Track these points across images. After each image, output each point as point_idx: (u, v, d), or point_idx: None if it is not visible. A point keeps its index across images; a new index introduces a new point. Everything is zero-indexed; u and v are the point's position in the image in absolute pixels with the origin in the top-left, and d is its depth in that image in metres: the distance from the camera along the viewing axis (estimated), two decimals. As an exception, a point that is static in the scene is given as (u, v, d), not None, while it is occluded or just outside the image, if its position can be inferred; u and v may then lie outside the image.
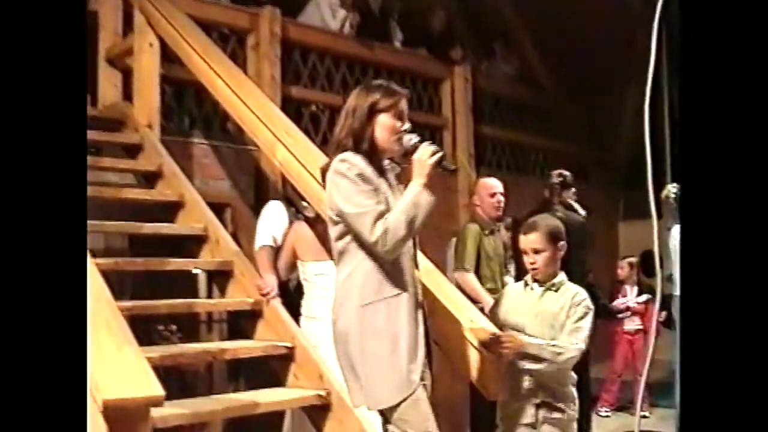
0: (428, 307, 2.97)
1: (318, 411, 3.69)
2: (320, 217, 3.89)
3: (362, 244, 2.77)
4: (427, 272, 3.26)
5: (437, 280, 3.36)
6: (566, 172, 5.75)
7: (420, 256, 3.02)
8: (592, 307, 3.23)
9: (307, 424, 3.76)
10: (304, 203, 4.27)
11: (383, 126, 2.90)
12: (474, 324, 3.24)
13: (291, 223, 4.37)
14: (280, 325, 4.01)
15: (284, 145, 4.15)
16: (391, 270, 2.79)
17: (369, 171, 2.81)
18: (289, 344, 3.90)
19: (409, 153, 2.90)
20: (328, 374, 3.67)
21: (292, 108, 5.96)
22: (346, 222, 2.78)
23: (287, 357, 3.90)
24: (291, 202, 4.50)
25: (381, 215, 2.73)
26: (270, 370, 3.97)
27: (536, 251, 3.24)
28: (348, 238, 2.82)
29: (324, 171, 2.90)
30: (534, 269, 3.26)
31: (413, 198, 2.78)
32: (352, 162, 2.80)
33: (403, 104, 2.95)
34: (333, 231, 2.87)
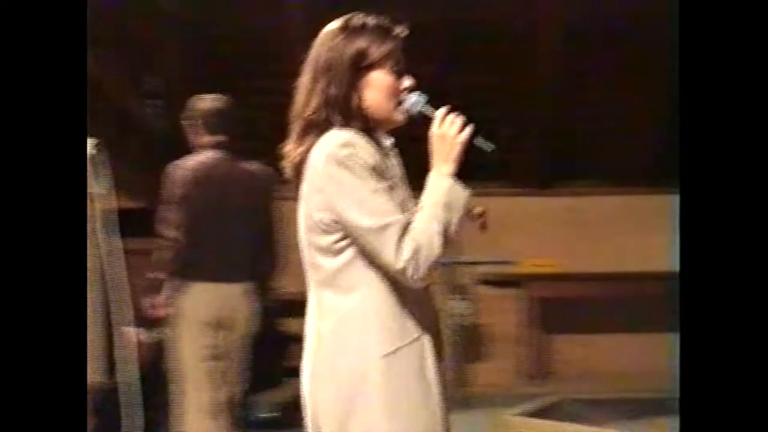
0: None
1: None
2: None
3: (374, 262, 1.98)
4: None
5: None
6: None
7: None
8: None
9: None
10: None
11: (378, 87, 2.05)
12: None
13: None
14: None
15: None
16: (414, 299, 2.03)
17: (379, 159, 2.01)
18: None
19: (415, 122, 2.09)
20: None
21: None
22: (355, 236, 1.98)
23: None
24: None
25: (406, 228, 1.94)
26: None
27: None
28: (350, 252, 2.00)
29: (298, 162, 2.06)
30: None
31: (444, 195, 1.99)
32: (359, 147, 1.97)
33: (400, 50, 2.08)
34: (322, 240, 2.02)
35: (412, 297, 2.01)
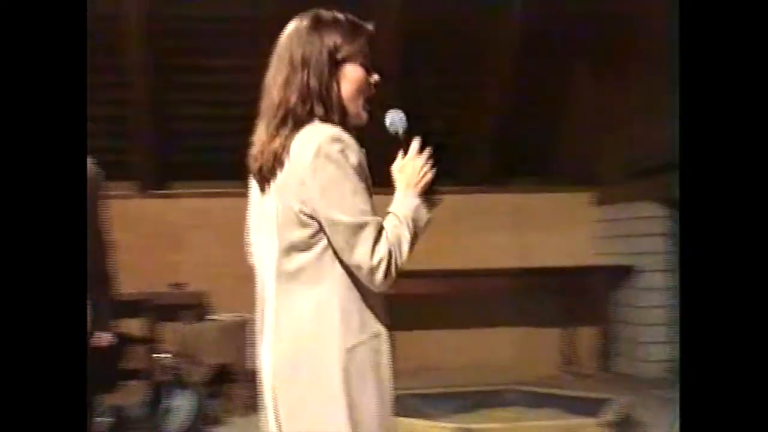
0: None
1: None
2: None
3: (342, 259, 1.99)
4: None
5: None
6: None
7: None
8: None
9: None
10: None
11: (350, 81, 2.07)
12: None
13: None
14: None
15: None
16: (373, 295, 2.06)
17: (362, 157, 2.02)
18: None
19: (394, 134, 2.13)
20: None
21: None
22: (330, 232, 1.97)
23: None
24: None
25: (381, 230, 1.98)
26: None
27: None
28: (321, 245, 2.00)
29: (275, 155, 2.02)
30: None
31: (412, 211, 2.06)
32: (347, 144, 1.98)
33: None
34: (295, 234, 2.01)
35: (371, 294, 2.03)
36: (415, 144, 2.11)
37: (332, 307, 2.00)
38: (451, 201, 8.59)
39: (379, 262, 1.95)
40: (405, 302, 7.70)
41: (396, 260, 1.97)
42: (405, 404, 6.03)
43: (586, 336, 7.61)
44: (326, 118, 2.02)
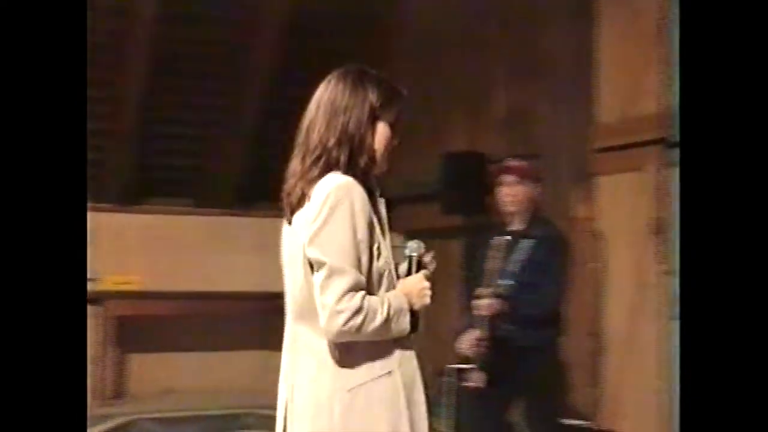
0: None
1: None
2: None
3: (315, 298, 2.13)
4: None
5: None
6: None
7: None
8: None
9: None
10: None
11: (381, 136, 2.24)
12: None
13: None
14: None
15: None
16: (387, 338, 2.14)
17: (369, 207, 2.17)
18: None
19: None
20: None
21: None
22: (316, 270, 2.12)
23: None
24: None
25: (359, 287, 2.10)
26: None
27: None
28: None
29: (304, 190, 2.19)
30: None
31: (400, 312, 2.17)
32: (354, 193, 2.13)
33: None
34: (302, 271, 2.19)
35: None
36: (426, 271, 2.32)
37: (341, 350, 2.12)
38: (196, 222, 8.47)
39: (343, 311, 2.06)
40: (148, 324, 7.60)
41: (361, 322, 2.07)
42: (142, 429, 5.94)
43: None
44: (354, 164, 2.19)
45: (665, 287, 4.61)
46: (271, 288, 8.18)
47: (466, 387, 3.98)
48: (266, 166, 7.54)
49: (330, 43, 7.25)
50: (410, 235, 2.41)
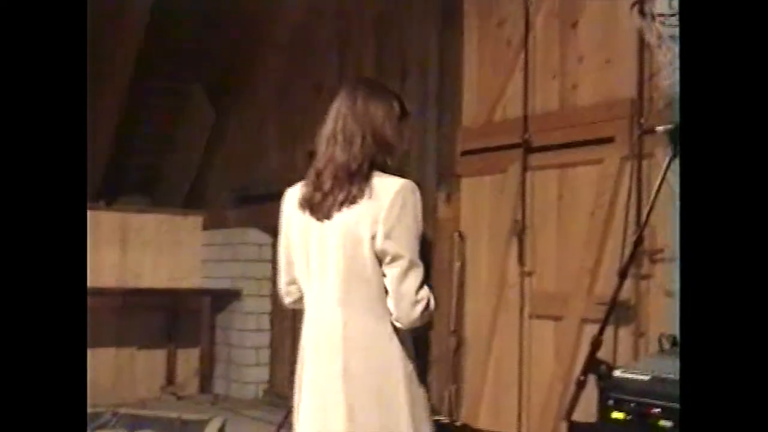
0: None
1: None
2: None
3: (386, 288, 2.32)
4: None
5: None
6: None
7: None
8: None
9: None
10: None
11: (402, 139, 2.49)
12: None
13: None
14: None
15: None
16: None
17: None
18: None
19: None
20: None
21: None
22: (391, 263, 2.29)
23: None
24: None
25: (426, 280, 2.35)
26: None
27: None
28: (380, 277, 2.33)
29: (351, 192, 2.34)
30: None
31: None
32: (419, 197, 2.38)
33: None
34: (360, 264, 2.33)
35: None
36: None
37: (394, 339, 2.34)
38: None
39: (420, 301, 2.29)
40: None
41: (430, 311, 2.34)
42: None
43: (189, 358, 7.69)
44: (388, 165, 2.40)
45: (525, 287, 4.76)
46: (133, 284, 7.89)
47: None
48: (128, 159, 7.23)
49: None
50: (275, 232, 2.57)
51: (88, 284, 6.74)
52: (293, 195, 2.49)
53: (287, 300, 2.59)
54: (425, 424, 2.41)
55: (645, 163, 4.07)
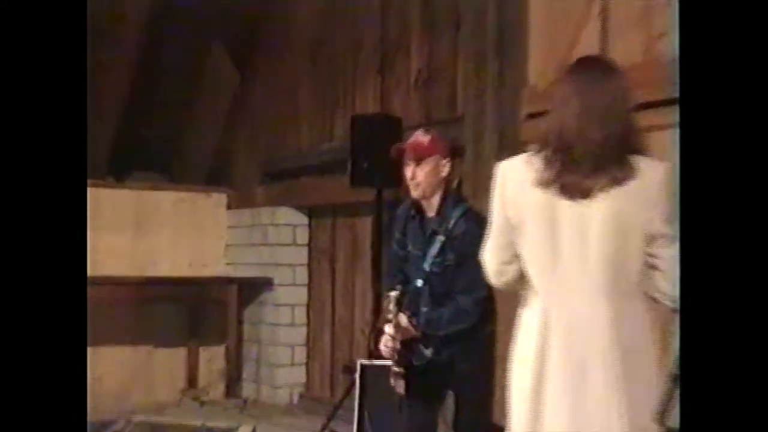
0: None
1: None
2: None
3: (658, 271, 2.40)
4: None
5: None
6: None
7: None
8: None
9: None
10: None
11: None
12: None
13: None
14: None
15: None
16: None
17: None
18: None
19: None
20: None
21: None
22: (663, 244, 2.35)
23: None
24: None
25: None
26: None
27: None
28: (645, 259, 2.43)
29: (617, 176, 2.37)
30: None
31: None
32: None
33: None
34: (625, 247, 2.39)
35: None
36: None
37: (650, 320, 2.42)
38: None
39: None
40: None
41: None
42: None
43: (213, 357, 7.38)
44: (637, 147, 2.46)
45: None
46: (149, 272, 7.11)
47: (385, 390, 3.80)
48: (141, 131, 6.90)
49: None
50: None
51: (95, 273, 6.06)
52: (518, 169, 2.47)
53: (501, 279, 2.57)
54: None
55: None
